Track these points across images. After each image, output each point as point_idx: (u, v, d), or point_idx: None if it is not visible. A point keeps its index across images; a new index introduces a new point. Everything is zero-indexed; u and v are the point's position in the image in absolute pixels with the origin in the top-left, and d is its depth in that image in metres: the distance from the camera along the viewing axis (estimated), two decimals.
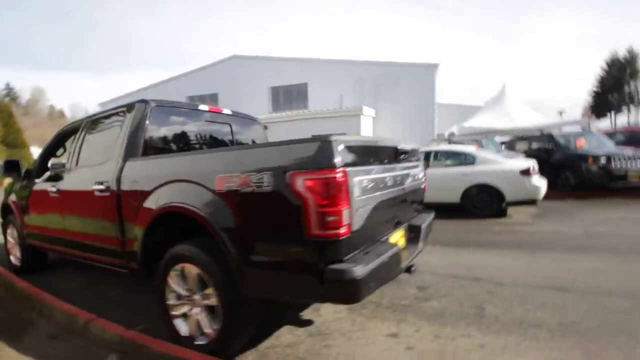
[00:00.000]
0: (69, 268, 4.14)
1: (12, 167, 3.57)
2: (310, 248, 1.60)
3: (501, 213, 6.08)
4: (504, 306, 2.70)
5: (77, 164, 3.02)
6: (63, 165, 3.81)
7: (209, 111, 3.18)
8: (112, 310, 2.89)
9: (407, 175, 2.49)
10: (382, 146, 2.25)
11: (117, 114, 2.83)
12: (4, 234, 4.25)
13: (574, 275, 3.26)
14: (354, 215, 1.65)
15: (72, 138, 3.31)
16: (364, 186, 1.78)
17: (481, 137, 10.96)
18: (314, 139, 1.63)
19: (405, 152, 2.50)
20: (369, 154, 1.95)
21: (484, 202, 5.98)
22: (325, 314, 2.69)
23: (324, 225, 1.55)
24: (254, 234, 1.78)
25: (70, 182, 2.96)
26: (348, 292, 1.56)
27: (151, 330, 2.37)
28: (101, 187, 2.56)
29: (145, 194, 2.27)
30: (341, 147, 1.62)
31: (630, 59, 47.69)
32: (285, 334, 2.41)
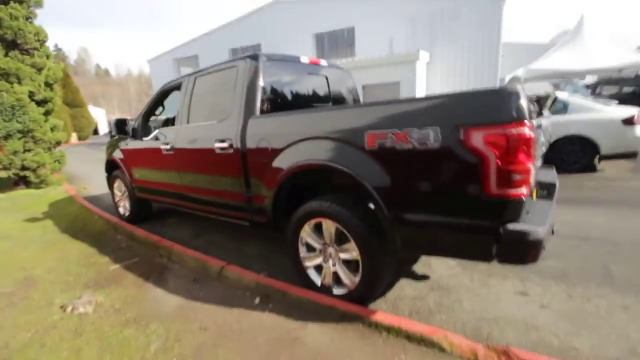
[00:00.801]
0: (173, 218, 4.52)
1: (121, 126, 3.78)
2: (486, 207, 1.54)
3: (591, 167, 5.59)
4: (633, 267, 2.56)
5: (188, 121, 3.11)
6: (172, 123, 3.99)
7: (309, 64, 3.07)
8: (229, 257, 3.14)
9: (549, 126, 2.29)
10: (547, 95, 2.03)
11: (225, 70, 2.81)
12: (111, 187, 4.66)
13: None
14: (534, 172, 1.54)
15: (177, 96, 3.39)
16: (536, 141, 1.65)
17: (561, 80, 9.78)
18: (491, 90, 1.49)
19: (555, 102, 2.26)
20: (537, 104, 1.77)
21: (573, 155, 5.50)
22: (437, 269, 2.73)
23: (507, 184, 1.47)
24: (413, 192, 1.74)
25: (185, 139, 3.08)
26: (529, 252, 1.51)
27: (272, 276, 2.57)
28: (223, 144, 2.63)
29: (275, 152, 2.30)
30: (523, 97, 1.46)
31: None
32: (406, 287, 2.48)
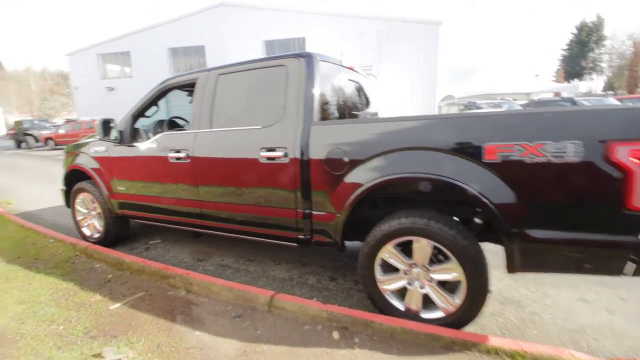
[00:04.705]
0: (155, 239, 3.81)
1: (107, 127, 3.06)
2: (626, 221, 1.53)
3: None
4: None
5: (210, 126, 2.64)
6: (169, 126, 3.39)
7: (347, 68, 2.87)
8: (252, 283, 2.74)
9: None
10: None
11: (267, 68, 2.46)
12: (72, 204, 3.76)
13: None
14: None
15: (187, 95, 2.87)
16: None
17: (501, 101, 11.05)
18: (635, 107, 1.50)
19: None
20: None
21: None
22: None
23: None
24: (542, 207, 1.67)
25: (210, 147, 2.60)
26: None
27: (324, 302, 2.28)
28: (274, 154, 2.27)
29: (354, 163, 2.04)
30: None
31: (598, 24, 49.44)
32: None
